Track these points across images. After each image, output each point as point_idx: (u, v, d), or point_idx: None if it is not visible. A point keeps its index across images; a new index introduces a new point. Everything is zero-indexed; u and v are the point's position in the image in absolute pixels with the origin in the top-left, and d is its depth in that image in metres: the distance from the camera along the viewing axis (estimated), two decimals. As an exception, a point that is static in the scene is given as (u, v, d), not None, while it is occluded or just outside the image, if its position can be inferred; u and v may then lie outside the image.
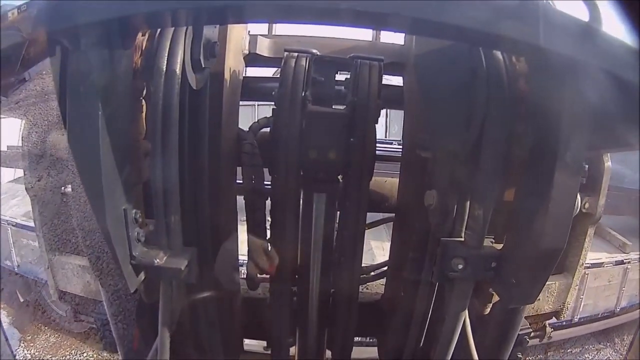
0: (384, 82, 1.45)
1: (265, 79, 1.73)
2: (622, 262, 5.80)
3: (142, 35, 1.05)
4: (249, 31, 1.68)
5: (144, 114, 1.11)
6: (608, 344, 6.71)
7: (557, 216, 0.98)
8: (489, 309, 1.32)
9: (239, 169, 1.53)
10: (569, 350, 6.56)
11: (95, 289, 1.80)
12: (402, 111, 1.64)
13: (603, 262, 5.64)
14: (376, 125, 1.36)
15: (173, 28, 1.06)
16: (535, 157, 1.02)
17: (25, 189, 1.70)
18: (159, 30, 1.07)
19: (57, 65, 1.00)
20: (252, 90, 1.63)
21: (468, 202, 1.13)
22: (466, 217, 1.14)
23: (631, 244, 5.98)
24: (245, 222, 1.58)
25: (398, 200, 1.61)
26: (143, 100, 1.11)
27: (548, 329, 2.19)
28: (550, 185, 0.95)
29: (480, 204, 1.10)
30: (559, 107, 0.93)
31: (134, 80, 1.05)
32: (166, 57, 1.05)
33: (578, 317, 5.71)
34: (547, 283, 1.81)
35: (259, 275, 1.59)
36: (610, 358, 6.60)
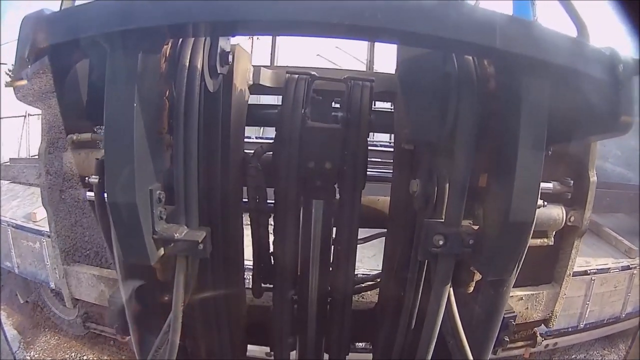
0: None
1: (267, 107, 1.87)
2: (628, 268, 5.74)
3: (166, 44, 1.25)
4: (254, 45, 1.87)
5: (166, 112, 1.29)
6: (612, 349, 6.59)
7: (523, 192, 1.12)
8: (472, 288, 1.43)
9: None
10: (573, 356, 6.47)
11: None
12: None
13: (609, 268, 5.58)
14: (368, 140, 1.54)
15: (193, 38, 1.27)
16: (502, 142, 1.18)
17: (42, 201, 1.78)
18: (180, 39, 1.28)
19: (88, 65, 1.20)
20: (255, 117, 1.79)
21: (446, 187, 1.28)
22: (445, 201, 1.29)
23: (637, 249, 5.95)
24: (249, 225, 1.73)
25: (390, 211, 1.72)
26: (166, 99, 1.29)
27: (538, 338, 2.19)
28: (514, 165, 1.10)
29: (456, 188, 1.25)
30: (519, 102, 1.10)
31: (160, 81, 1.24)
32: (187, 64, 1.25)
33: (584, 323, 5.65)
34: (535, 293, 1.91)
35: (262, 285, 1.76)
36: (615, 364, 6.49)
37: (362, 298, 2.07)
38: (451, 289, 1.33)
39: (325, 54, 8.83)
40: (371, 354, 1.94)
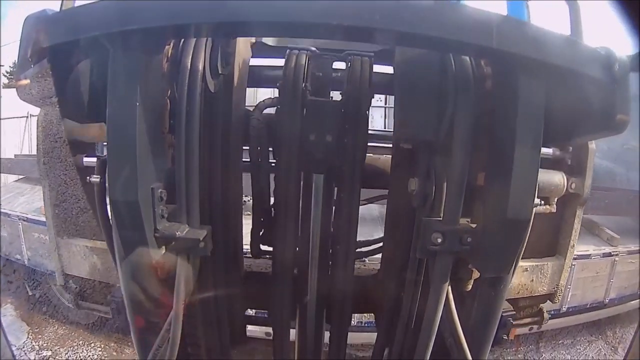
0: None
1: (268, 68, 1.84)
2: (609, 255, 5.88)
3: (168, 44, 1.24)
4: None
5: (167, 112, 1.30)
6: (600, 336, 6.80)
7: (520, 190, 1.15)
8: (470, 286, 1.47)
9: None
10: (560, 342, 6.69)
11: (102, 270, 1.82)
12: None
13: (590, 254, 5.72)
14: (369, 113, 1.54)
15: (195, 39, 1.26)
16: (499, 141, 1.21)
17: (38, 170, 1.73)
18: (182, 39, 1.27)
19: (92, 64, 1.19)
20: (257, 77, 1.78)
21: (444, 186, 1.31)
22: (443, 199, 1.31)
23: (619, 237, 6.09)
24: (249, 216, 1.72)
25: (391, 175, 1.66)
26: (167, 99, 1.29)
27: (545, 315, 2.15)
28: (512, 164, 1.13)
29: (454, 187, 1.27)
30: (515, 101, 1.12)
31: (162, 81, 1.24)
32: (189, 64, 1.25)
33: (566, 307, 5.83)
34: (540, 264, 1.91)
35: (261, 246, 1.74)
36: (602, 350, 6.71)
37: (364, 265, 2.04)
38: (449, 287, 1.36)
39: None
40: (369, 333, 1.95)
